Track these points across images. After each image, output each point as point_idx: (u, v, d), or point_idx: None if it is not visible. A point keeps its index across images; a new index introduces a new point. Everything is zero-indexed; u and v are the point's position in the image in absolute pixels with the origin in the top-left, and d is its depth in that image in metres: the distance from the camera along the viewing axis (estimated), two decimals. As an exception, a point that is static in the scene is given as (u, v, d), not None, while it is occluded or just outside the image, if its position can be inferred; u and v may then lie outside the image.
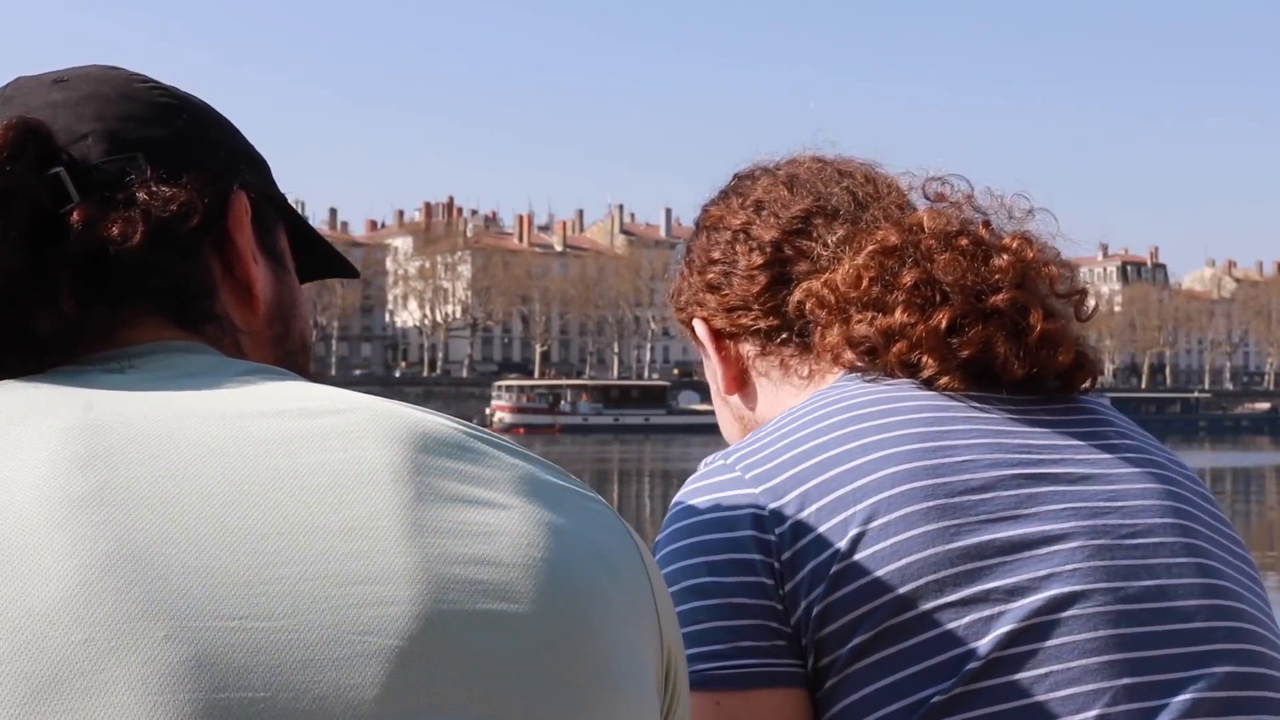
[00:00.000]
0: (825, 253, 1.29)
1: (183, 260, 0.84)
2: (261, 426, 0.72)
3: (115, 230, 0.80)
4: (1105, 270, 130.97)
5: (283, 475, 0.69)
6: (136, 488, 0.67)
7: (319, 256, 1.02)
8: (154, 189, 0.83)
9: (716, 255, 1.36)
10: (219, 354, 0.83)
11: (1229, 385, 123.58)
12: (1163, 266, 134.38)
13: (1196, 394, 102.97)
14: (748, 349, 1.36)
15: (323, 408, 0.74)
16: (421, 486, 0.70)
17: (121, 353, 0.80)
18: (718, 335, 1.38)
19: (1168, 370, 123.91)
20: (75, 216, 0.79)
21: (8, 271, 0.76)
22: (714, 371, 1.40)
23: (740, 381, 1.38)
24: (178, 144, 0.87)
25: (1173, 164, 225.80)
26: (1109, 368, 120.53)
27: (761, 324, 1.33)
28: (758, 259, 1.32)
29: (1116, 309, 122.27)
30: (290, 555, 0.66)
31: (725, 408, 1.43)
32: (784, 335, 1.32)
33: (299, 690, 0.63)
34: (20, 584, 0.62)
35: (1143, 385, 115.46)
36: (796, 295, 1.28)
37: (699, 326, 1.39)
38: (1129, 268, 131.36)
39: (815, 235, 1.31)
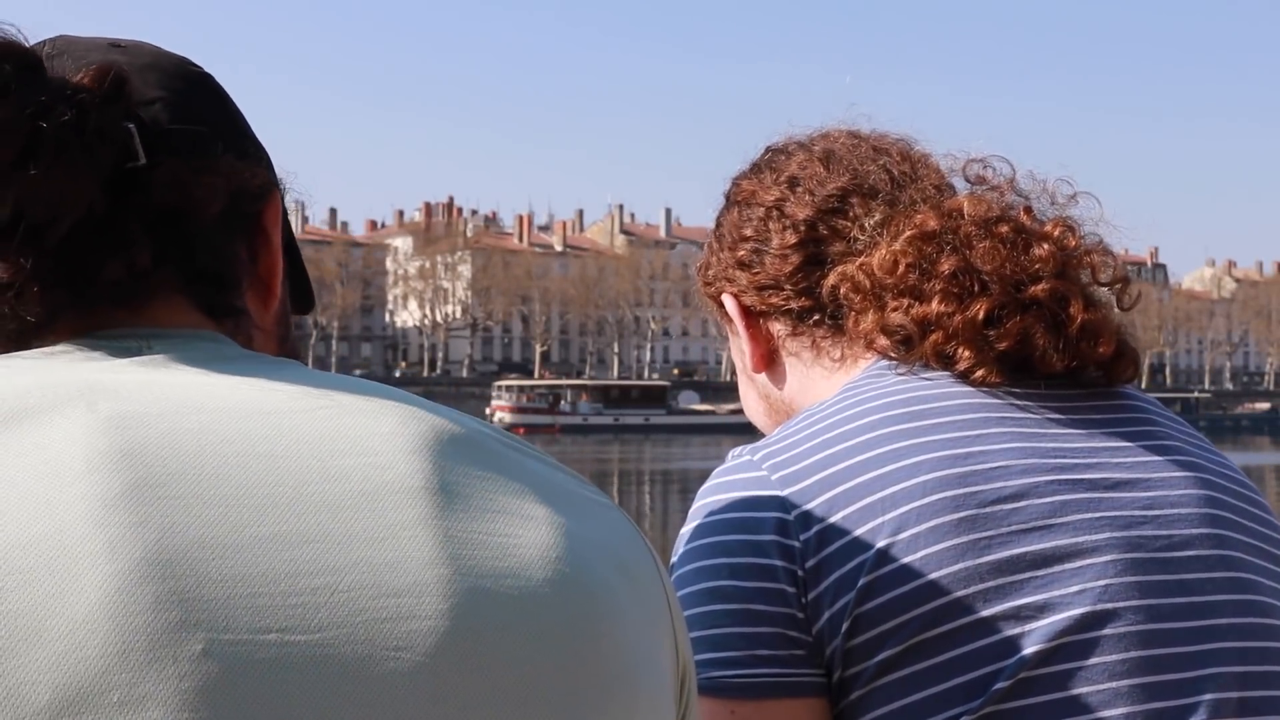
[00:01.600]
0: (862, 236, 1.26)
1: (227, 244, 0.84)
2: (296, 425, 0.71)
3: (200, 193, 0.80)
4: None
5: (316, 479, 0.68)
6: (171, 487, 0.66)
7: (294, 273, 0.99)
8: (233, 162, 0.83)
9: (749, 232, 1.33)
10: (238, 346, 0.82)
11: (1229, 385, 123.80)
12: (1162, 266, 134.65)
13: (1196, 394, 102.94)
14: (778, 328, 1.33)
15: (355, 407, 0.73)
16: (450, 495, 0.70)
17: (144, 333, 0.79)
18: (747, 312, 1.35)
19: (1168, 370, 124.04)
20: (166, 170, 0.78)
21: (90, 212, 0.75)
22: (741, 349, 1.38)
23: (769, 360, 1.36)
24: (234, 130, 0.87)
25: (1172, 163, 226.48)
26: None
27: (794, 304, 1.30)
28: (791, 238, 1.29)
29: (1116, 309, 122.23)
30: (325, 564, 0.65)
31: (751, 386, 1.40)
32: (816, 316, 1.29)
33: (333, 710, 0.62)
34: (61, 590, 0.61)
35: (1143, 385, 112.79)
36: (831, 279, 1.25)
37: (729, 302, 1.36)
38: (1129, 268, 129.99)
39: (851, 215, 1.28)
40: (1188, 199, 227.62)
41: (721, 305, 1.37)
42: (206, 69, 0.90)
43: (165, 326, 0.80)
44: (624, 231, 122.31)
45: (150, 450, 0.67)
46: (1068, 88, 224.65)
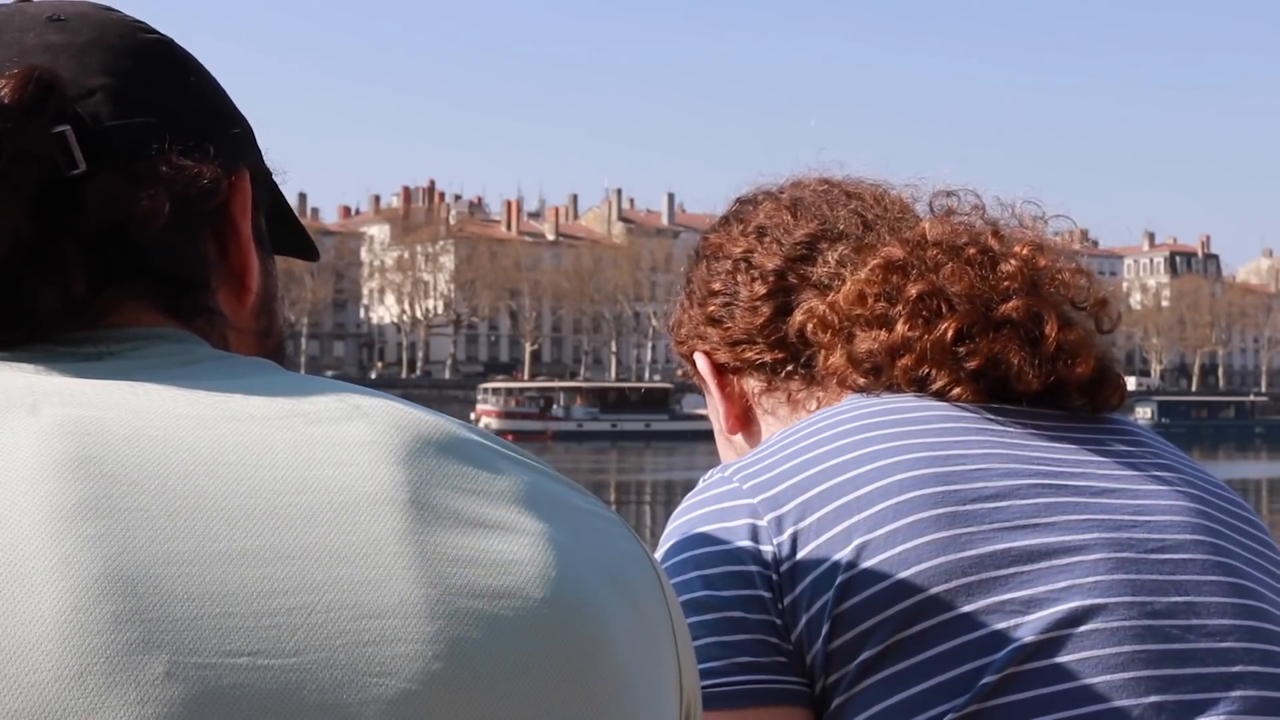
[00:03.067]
0: (825, 270, 1.29)
1: (189, 243, 0.81)
2: (267, 433, 0.68)
3: (141, 206, 0.76)
4: (1152, 261, 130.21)
5: (290, 490, 0.66)
6: (134, 498, 0.63)
7: (284, 229, 0.96)
8: (176, 161, 0.79)
9: (717, 286, 1.36)
10: (209, 346, 0.80)
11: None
12: (1215, 257, 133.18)
13: (1252, 397, 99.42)
14: (752, 384, 1.36)
15: (331, 412, 0.71)
16: (435, 507, 0.68)
17: (103, 335, 0.76)
18: (720, 370, 1.37)
19: (1220, 371, 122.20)
20: (99, 185, 0.75)
21: (17, 240, 0.72)
22: (716, 409, 1.40)
23: (744, 420, 1.38)
24: (188, 110, 0.83)
25: (1226, 144, 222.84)
26: (1156, 368, 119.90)
27: (767, 357, 1.32)
28: (760, 289, 1.32)
29: (1164, 304, 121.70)
30: (301, 582, 0.63)
31: (729, 447, 1.42)
32: (789, 367, 1.31)
33: None
34: (11, 608, 0.59)
35: (1193, 387, 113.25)
36: (798, 316, 1.28)
37: (701, 361, 1.38)
38: (1178, 258, 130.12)
39: (819, 261, 1.31)
40: (1242, 183, 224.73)
41: (695, 364, 1.40)
42: (163, 33, 0.86)
43: (124, 327, 0.77)
44: (622, 219, 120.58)
45: (109, 458, 0.64)
46: (1114, 61, 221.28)
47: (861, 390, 1.22)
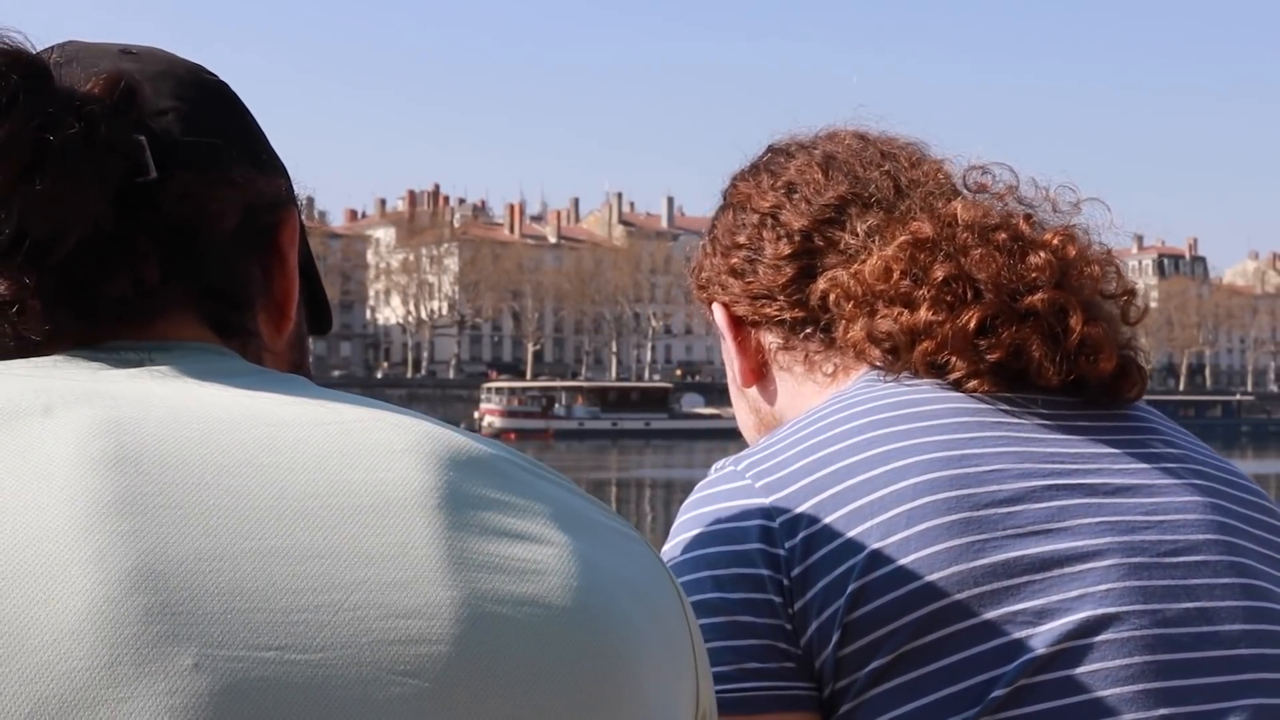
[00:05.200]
0: (854, 242, 1.26)
1: (241, 262, 0.84)
2: (300, 438, 0.70)
3: (215, 205, 0.80)
4: (1140, 263, 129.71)
5: (321, 492, 0.68)
6: (167, 495, 0.65)
7: (308, 288, 0.97)
8: (245, 173, 0.83)
9: (742, 240, 1.33)
10: (245, 361, 0.82)
11: (1273, 387, 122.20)
12: (1202, 259, 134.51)
13: (1239, 396, 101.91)
14: (770, 340, 1.33)
15: (364, 421, 0.73)
16: (464, 514, 0.69)
17: (145, 345, 0.78)
18: (738, 322, 1.35)
19: (1207, 371, 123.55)
20: (175, 184, 0.78)
21: (97, 228, 0.75)
22: (731, 361, 1.38)
23: (759, 373, 1.36)
24: (247, 141, 0.87)
25: (1213, 148, 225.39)
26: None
27: (786, 315, 1.30)
28: (786, 248, 1.29)
29: (1152, 305, 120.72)
30: (330, 580, 0.65)
31: (742, 399, 1.41)
32: (809, 329, 1.29)
33: None
34: (45, 598, 0.60)
35: (1180, 387, 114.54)
36: (821, 284, 1.26)
37: (718, 313, 1.36)
38: (1166, 260, 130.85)
39: (848, 227, 1.28)
40: (1229, 186, 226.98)
41: (713, 312, 1.38)
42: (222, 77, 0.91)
43: (170, 339, 0.80)
44: (623, 221, 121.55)
45: (146, 457, 0.66)
46: (1104, 67, 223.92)
47: (878, 368, 1.21)
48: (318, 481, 0.68)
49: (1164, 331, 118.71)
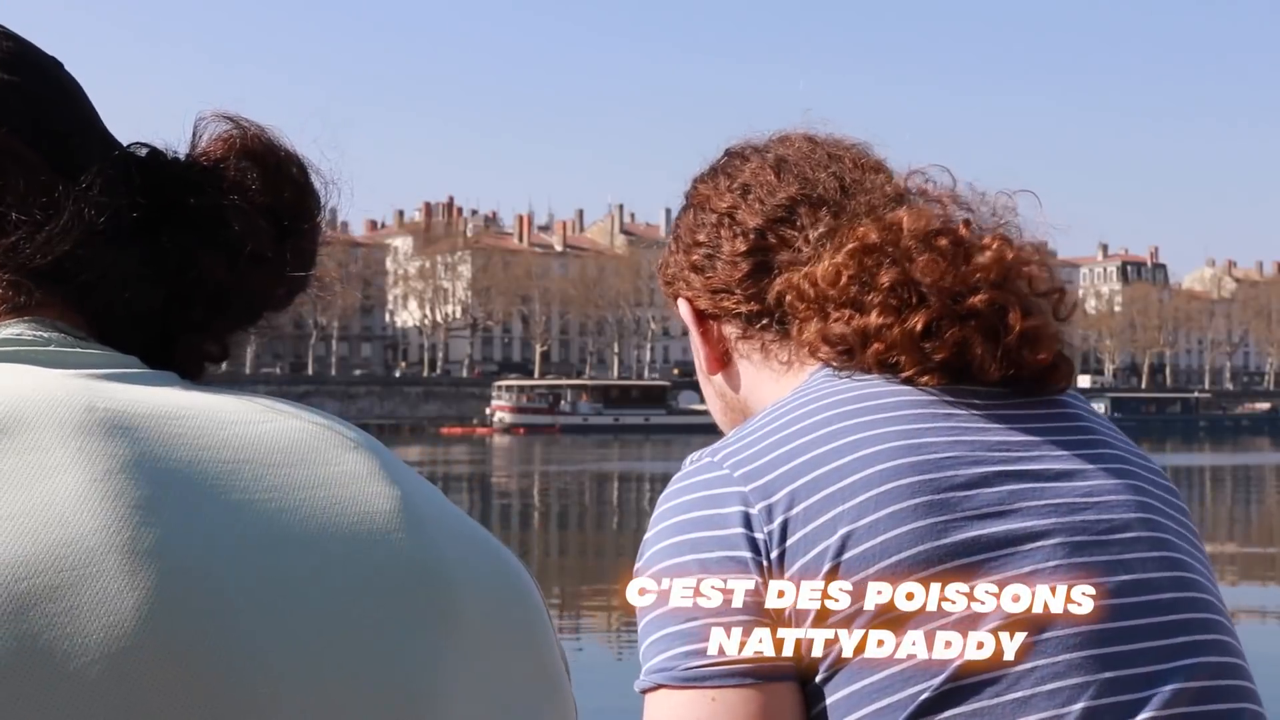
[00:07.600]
0: (806, 247, 1.30)
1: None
2: (259, 432, 0.72)
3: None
4: (1105, 270, 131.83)
5: (304, 485, 0.70)
6: (182, 489, 0.66)
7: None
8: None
9: (702, 238, 1.37)
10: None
11: (1229, 385, 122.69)
12: (1163, 266, 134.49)
13: (1197, 394, 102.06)
14: (730, 331, 1.38)
15: (285, 413, 0.75)
16: (399, 483, 0.74)
17: (120, 358, 0.76)
18: (701, 315, 1.40)
19: (1168, 370, 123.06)
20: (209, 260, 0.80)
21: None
22: (698, 350, 1.43)
23: (722, 361, 1.40)
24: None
25: (1173, 163, 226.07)
26: (1109, 367, 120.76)
27: (744, 308, 1.34)
28: (741, 245, 1.33)
29: (1116, 309, 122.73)
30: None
31: (709, 385, 1.45)
32: (765, 321, 1.33)
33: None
34: (97, 601, 0.60)
35: (1143, 385, 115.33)
36: (777, 286, 1.29)
37: (683, 306, 1.41)
38: (1129, 267, 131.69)
39: (798, 225, 1.32)
40: (1188, 199, 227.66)
41: (678, 306, 1.43)
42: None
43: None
44: (624, 231, 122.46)
45: (158, 455, 0.67)
46: (1067, 87, 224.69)
47: (832, 365, 1.25)
48: (299, 474, 0.71)
49: (1127, 334, 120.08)
